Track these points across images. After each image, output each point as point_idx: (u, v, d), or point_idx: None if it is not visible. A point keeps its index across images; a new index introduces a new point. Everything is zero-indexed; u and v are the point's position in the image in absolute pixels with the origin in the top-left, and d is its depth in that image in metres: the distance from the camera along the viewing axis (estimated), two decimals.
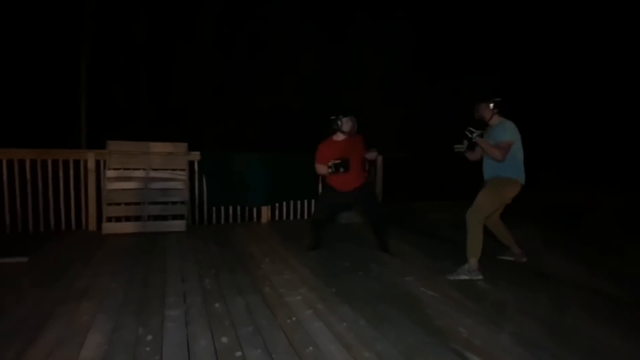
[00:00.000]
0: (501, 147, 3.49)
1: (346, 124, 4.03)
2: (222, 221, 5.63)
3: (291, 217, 5.99)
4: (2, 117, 10.20)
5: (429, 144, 11.22)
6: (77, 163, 4.98)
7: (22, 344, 2.17)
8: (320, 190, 5.93)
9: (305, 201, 6.03)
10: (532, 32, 12.20)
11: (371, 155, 4.09)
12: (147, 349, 2.16)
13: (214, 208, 5.57)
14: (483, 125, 3.70)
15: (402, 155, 8.14)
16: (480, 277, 3.39)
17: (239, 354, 2.12)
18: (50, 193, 4.87)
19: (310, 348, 2.19)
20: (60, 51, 10.87)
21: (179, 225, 5.08)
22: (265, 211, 5.83)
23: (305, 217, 6.01)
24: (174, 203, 5.18)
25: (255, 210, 5.88)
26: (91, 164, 4.94)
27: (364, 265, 3.74)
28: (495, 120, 3.65)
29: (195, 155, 5.40)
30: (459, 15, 12.24)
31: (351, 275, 3.45)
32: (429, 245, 4.58)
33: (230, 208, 5.68)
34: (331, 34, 12.35)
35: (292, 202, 5.99)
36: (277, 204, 5.93)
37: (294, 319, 2.57)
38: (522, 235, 4.31)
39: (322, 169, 4.04)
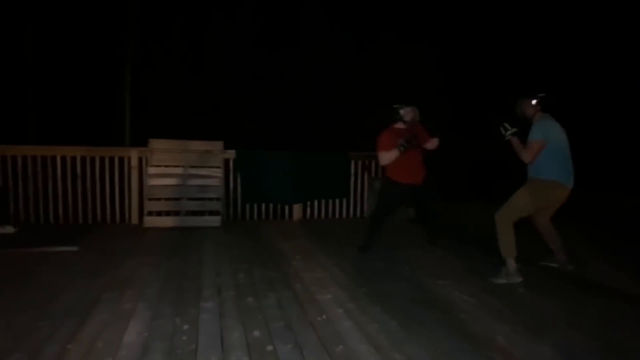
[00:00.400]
0: (529, 147, 3.36)
1: (407, 113, 4.08)
2: (255, 218, 5.76)
3: (322, 215, 6.03)
4: (56, 117, 10.84)
5: (461, 144, 10.95)
6: (121, 160, 5.24)
7: (72, 326, 2.34)
8: (349, 188, 5.98)
9: (337, 200, 6.06)
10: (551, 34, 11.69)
11: (432, 143, 4.10)
12: (184, 338, 2.26)
13: (247, 205, 5.70)
14: (523, 122, 3.56)
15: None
16: (519, 279, 3.28)
17: (270, 348, 2.18)
18: (98, 188, 5.16)
19: (341, 347, 2.22)
20: (107, 55, 11.44)
21: (215, 221, 5.24)
22: (297, 209, 5.92)
23: (337, 216, 6.03)
24: (210, 199, 5.35)
25: (287, 208, 5.97)
26: (134, 161, 5.19)
27: (396, 266, 3.73)
28: (538, 117, 3.49)
29: (231, 154, 5.54)
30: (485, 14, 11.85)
31: (383, 276, 3.45)
32: (464, 247, 4.48)
33: (263, 205, 5.80)
34: (358, 32, 12.28)
35: (323, 201, 6.04)
36: (308, 203, 5.99)
37: (324, 317, 2.61)
38: (565, 239, 4.14)
39: (388, 155, 4.01)
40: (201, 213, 5.35)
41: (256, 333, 2.34)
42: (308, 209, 6.01)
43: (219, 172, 5.38)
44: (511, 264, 3.33)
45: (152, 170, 5.15)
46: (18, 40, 10.53)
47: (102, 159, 5.18)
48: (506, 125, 3.46)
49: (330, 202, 6.08)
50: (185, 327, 2.39)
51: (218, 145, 5.48)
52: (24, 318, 2.43)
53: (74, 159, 5.09)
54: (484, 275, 3.44)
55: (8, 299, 2.71)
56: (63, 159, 5.05)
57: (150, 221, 5.05)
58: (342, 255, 4.02)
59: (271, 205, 5.87)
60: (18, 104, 10.61)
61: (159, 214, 5.19)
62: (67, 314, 2.51)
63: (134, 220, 5.22)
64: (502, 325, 2.55)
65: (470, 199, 7.82)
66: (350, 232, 5.13)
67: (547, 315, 2.75)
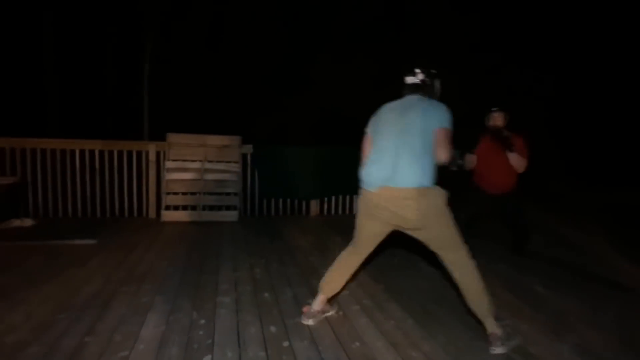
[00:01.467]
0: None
1: (494, 119, 3.79)
2: (272, 213, 5.75)
3: (339, 211, 5.99)
4: (76, 111, 11.04)
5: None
6: (139, 154, 5.28)
7: (90, 319, 2.36)
8: None
9: (355, 196, 6.01)
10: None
11: (511, 158, 3.65)
12: (200, 332, 2.25)
13: (264, 200, 5.69)
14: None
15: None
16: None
17: (286, 344, 2.16)
18: (116, 181, 5.21)
19: (357, 343, 2.19)
20: (126, 50, 11.58)
21: (232, 216, 5.25)
22: (314, 205, 5.89)
23: (354, 211, 5.97)
24: (227, 194, 5.36)
25: (304, 203, 5.95)
26: (152, 155, 5.22)
27: (413, 263, 3.67)
28: None
29: (248, 148, 5.54)
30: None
31: (400, 273, 3.40)
32: (484, 245, 4.38)
33: (280, 200, 5.78)
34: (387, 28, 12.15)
35: (340, 197, 6.00)
36: (325, 198, 5.96)
37: (340, 313, 2.58)
38: (586, 237, 4.03)
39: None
40: (218, 208, 5.36)
41: (272, 328, 2.32)
42: (325, 204, 5.98)
43: (236, 167, 5.38)
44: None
45: (170, 164, 5.18)
46: (38, 34, 10.72)
47: (120, 153, 5.23)
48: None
49: (348, 197, 6.03)
50: (202, 321, 2.39)
51: (236, 140, 5.48)
52: (42, 310, 2.46)
53: (92, 152, 5.15)
54: (503, 273, 3.36)
55: (27, 290, 2.75)
56: (82, 152, 5.12)
57: (168, 215, 5.09)
58: None
59: (288, 201, 5.86)
60: (38, 97, 10.83)
61: (176, 208, 5.23)
62: (86, 306, 2.53)
63: (152, 214, 5.26)
64: (521, 323, 2.51)
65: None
66: None
67: (567, 313, 2.69)
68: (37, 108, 10.71)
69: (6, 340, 2.11)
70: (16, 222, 4.53)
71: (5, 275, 3.01)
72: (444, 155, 2.08)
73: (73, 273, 3.13)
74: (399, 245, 4.25)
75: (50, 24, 10.76)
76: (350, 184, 6.02)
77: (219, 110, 11.22)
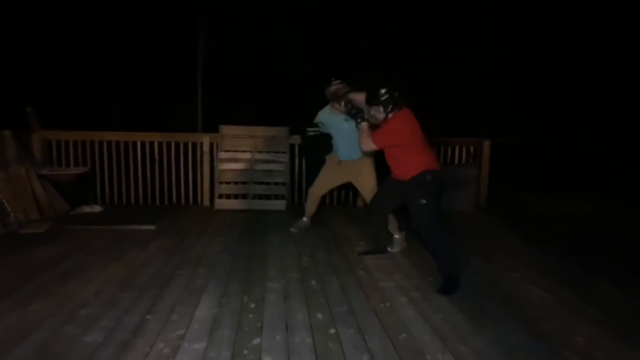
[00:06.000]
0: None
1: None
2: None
3: None
4: (137, 105, 11.71)
5: (538, 130, 10.16)
6: (194, 145, 5.52)
7: (150, 298, 2.54)
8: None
9: None
10: None
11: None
12: (250, 316, 2.35)
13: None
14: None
15: (509, 141, 7.51)
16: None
17: (332, 331, 2.20)
18: (173, 171, 5.50)
19: (404, 335, 2.18)
20: (182, 45, 12.08)
21: (280, 205, 5.37)
22: (361, 195, 5.86)
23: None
24: (276, 183, 5.48)
25: (351, 193, 5.94)
26: (206, 147, 5.44)
27: (463, 257, 3.57)
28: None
29: (296, 139, 5.61)
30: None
31: None
32: (538, 240, 4.18)
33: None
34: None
35: None
36: None
37: (387, 304, 2.57)
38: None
39: None
40: (267, 197, 5.50)
41: (319, 315, 2.37)
42: None
43: (284, 157, 5.49)
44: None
45: (222, 155, 5.38)
46: (103, 36, 11.44)
47: (177, 144, 5.50)
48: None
49: None
50: (252, 305, 2.48)
51: (284, 131, 5.58)
52: (109, 288, 2.67)
53: (152, 144, 5.47)
54: (563, 269, 3.19)
55: (97, 270, 2.99)
56: (143, 144, 5.45)
57: (220, 203, 5.30)
58: (406, 243, 3.92)
59: (335, 191, 5.88)
60: (103, 93, 11.58)
61: (228, 196, 5.43)
62: (146, 287, 2.72)
63: (206, 202, 5.50)
64: (582, 325, 2.35)
65: (546, 188, 7.28)
66: None
67: (638, 317, 2.49)
68: (102, 103, 11.47)
69: (81, 313, 2.33)
70: (86, 208, 4.92)
71: (78, 256, 3.30)
72: None
73: (135, 256, 3.36)
74: (448, 239, 4.16)
75: (114, 24, 11.45)
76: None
77: (268, 102, 11.44)
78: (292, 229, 4.25)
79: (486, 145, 5.81)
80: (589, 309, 2.56)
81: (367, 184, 3.88)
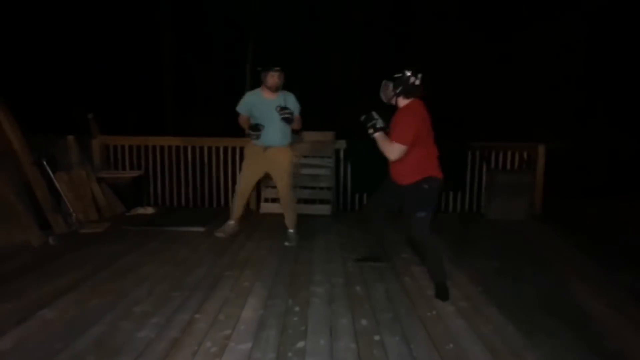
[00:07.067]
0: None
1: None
2: None
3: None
4: (187, 111, 12.22)
5: (596, 135, 9.53)
6: (241, 150, 5.66)
7: (199, 298, 2.62)
8: (464, 180, 5.63)
9: (451, 193, 5.74)
10: None
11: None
12: (295, 319, 2.36)
13: (357, 195, 5.72)
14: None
15: (565, 146, 7.09)
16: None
17: (377, 338, 2.16)
18: (222, 175, 5.68)
19: (451, 345, 2.11)
20: (229, 54, 12.49)
21: (325, 210, 5.37)
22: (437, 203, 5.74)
23: (450, 209, 5.72)
24: (321, 188, 5.50)
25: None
26: None
27: (516, 266, 3.41)
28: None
29: (341, 144, 5.61)
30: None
31: (501, 276, 3.17)
32: (599, 251, 3.88)
33: None
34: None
35: None
36: None
37: (434, 312, 2.50)
38: None
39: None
40: (312, 201, 5.53)
41: (364, 322, 2.34)
42: None
43: (329, 162, 5.50)
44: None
45: None
46: (157, 42, 12.05)
47: (225, 149, 5.67)
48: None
49: (444, 194, 5.79)
50: (297, 308, 2.50)
51: (329, 135, 5.60)
52: (161, 287, 2.79)
53: (202, 148, 5.68)
54: (627, 283, 2.95)
55: (150, 269, 3.14)
56: (193, 148, 5.68)
57: (266, 207, 5.39)
58: (455, 251, 3.80)
59: None
60: (159, 100, 12.18)
61: (274, 201, 5.51)
62: (196, 287, 2.81)
63: (252, 206, 5.62)
64: None
65: (606, 195, 6.79)
66: (465, 227, 4.86)
67: None
68: (157, 110, 12.06)
69: (135, 309, 2.45)
70: (140, 210, 5.18)
71: (132, 255, 3.48)
72: None
73: (185, 256, 3.49)
74: (500, 247, 3.99)
75: (168, 34, 12.05)
76: (447, 180, 5.78)
77: (315, 106, 11.53)
78: (217, 234, 4.06)
79: (541, 150, 5.51)
80: None
81: (284, 175, 3.90)
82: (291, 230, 3.98)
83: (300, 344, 2.09)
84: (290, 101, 3.81)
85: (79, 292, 2.69)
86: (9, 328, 2.18)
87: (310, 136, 5.59)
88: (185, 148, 5.69)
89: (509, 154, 5.63)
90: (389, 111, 2.98)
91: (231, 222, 4.10)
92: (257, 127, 3.69)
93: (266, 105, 3.74)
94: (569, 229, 4.73)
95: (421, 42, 11.62)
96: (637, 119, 9.05)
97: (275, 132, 3.75)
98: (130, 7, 11.08)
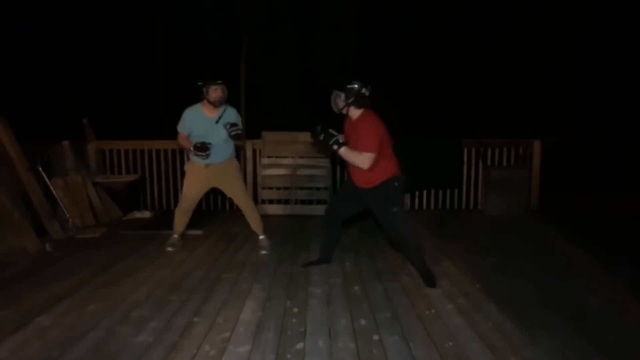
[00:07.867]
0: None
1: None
2: None
3: (432, 206, 5.79)
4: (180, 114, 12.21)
5: (591, 130, 9.59)
6: (237, 152, 5.65)
7: (197, 301, 2.61)
8: (460, 177, 5.63)
9: (447, 190, 5.75)
10: None
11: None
12: (294, 320, 2.36)
13: None
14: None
15: (560, 141, 7.12)
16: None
17: (376, 337, 2.16)
18: None
19: (450, 343, 2.11)
20: (224, 53, 12.49)
21: (322, 210, 5.36)
22: (405, 199, 5.76)
23: (447, 206, 5.72)
24: (318, 189, 5.50)
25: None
26: (249, 152, 5.56)
27: (514, 262, 3.42)
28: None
29: None
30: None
31: (499, 272, 3.18)
32: (596, 245, 3.89)
33: None
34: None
35: (432, 191, 5.78)
36: (417, 192, 5.78)
37: (433, 310, 2.50)
38: None
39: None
40: (310, 202, 5.53)
41: (362, 321, 2.34)
42: (416, 199, 5.81)
43: (326, 162, 5.50)
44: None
45: (265, 160, 5.48)
46: (152, 47, 12.03)
47: None
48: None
49: (440, 192, 5.80)
50: (295, 310, 2.50)
51: None
52: (159, 291, 2.78)
53: None
54: (625, 277, 2.97)
55: (147, 273, 3.13)
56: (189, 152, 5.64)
57: (264, 208, 5.38)
58: (452, 248, 3.81)
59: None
60: (154, 105, 12.17)
61: (271, 202, 5.51)
62: (193, 290, 2.80)
63: None
64: None
65: (603, 189, 6.83)
66: (462, 224, 4.87)
67: None
68: (152, 114, 12.04)
69: (133, 314, 2.44)
70: (137, 214, 5.16)
71: (129, 260, 3.46)
72: None
73: (183, 259, 3.48)
74: (497, 244, 4.00)
75: (163, 38, 12.04)
76: (444, 178, 5.81)
77: (309, 107, 11.55)
78: (167, 248, 3.77)
79: (537, 145, 5.53)
80: None
81: (238, 189, 3.75)
82: (262, 237, 3.85)
83: (300, 345, 2.08)
84: (233, 116, 3.59)
85: (76, 297, 2.68)
86: (7, 335, 2.17)
87: (306, 137, 5.58)
88: (181, 151, 5.66)
89: (505, 150, 5.65)
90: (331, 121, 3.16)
91: (175, 236, 3.89)
92: (205, 147, 3.40)
93: (207, 121, 3.50)
94: (566, 223, 4.74)
95: (417, 39, 11.65)
96: (633, 117, 9.09)
97: (220, 149, 3.54)
98: (123, 11, 11.07)
